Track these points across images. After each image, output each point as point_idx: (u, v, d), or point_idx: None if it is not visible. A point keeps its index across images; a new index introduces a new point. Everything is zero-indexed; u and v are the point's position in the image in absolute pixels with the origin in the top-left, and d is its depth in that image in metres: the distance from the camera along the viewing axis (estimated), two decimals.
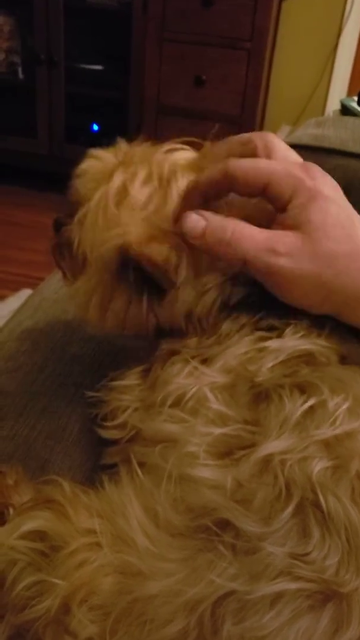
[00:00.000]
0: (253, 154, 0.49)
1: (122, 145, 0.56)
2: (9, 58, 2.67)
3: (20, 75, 2.70)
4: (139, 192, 0.50)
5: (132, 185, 0.50)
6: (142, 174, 0.51)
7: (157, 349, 0.52)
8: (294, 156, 0.50)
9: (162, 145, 0.55)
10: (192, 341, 0.50)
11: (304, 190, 0.45)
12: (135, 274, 0.50)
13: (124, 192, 0.50)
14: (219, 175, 0.47)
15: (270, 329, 0.47)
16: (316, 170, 0.47)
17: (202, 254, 0.49)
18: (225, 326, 0.48)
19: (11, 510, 0.47)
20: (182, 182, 0.51)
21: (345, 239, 0.45)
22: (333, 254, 0.45)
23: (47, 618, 0.37)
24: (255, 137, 0.50)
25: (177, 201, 0.50)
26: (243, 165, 0.47)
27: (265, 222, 0.47)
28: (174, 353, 0.50)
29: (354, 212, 0.47)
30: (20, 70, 2.69)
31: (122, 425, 0.50)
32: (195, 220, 0.47)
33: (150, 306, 0.51)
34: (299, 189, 0.45)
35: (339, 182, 0.48)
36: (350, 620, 0.33)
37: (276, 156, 0.49)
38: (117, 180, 0.51)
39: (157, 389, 0.48)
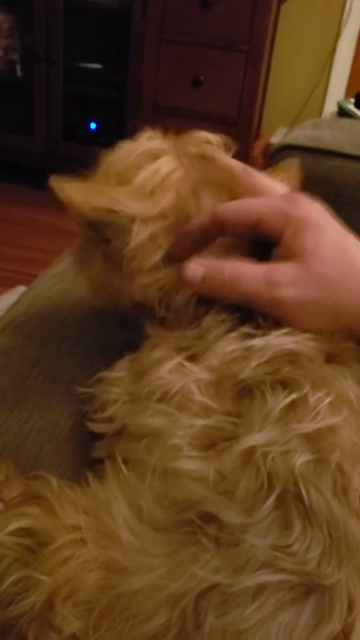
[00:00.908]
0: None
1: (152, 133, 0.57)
2: (7, 56, 2.67)
3: (19, 73, 2.69)
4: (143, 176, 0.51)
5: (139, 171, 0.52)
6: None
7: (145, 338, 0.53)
8: (278, 187, 0.52)
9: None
10: (176, 332, 0.50)
11: (292, 221, 0.47)
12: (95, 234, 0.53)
13: (130, 173, 0.52)
14: (208, 221, 0.49)
15: (254, 326, 0.47)
16: (301, 199, 0.48)
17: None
18: (207, 321, 0.49)
19: (1, 505, 0.47)
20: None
21: (340, 259, 0.46)
22: (331, 277, 0.46)
23: (32, 614, 0.37)
24: (240, 175, 0.52)
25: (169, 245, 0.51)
26: (231, 209, 0.49)
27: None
28: (158, 340, 0.50)
29: (344, 231, 0.48)
30: (18, 68, 2.69)
31: (111, 419, 0.50)
32: (194, 269, 0.48)
33: (108, 267, 0.54)
34: (288, 221, 0.47)
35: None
36: (332, 613, 0.34)
37: (261, 191, 0.51)
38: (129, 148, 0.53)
39: (143, 380, 0.48)
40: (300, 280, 0.46)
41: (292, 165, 0.62)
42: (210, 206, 0.50)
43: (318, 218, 0.47)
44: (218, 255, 0.50)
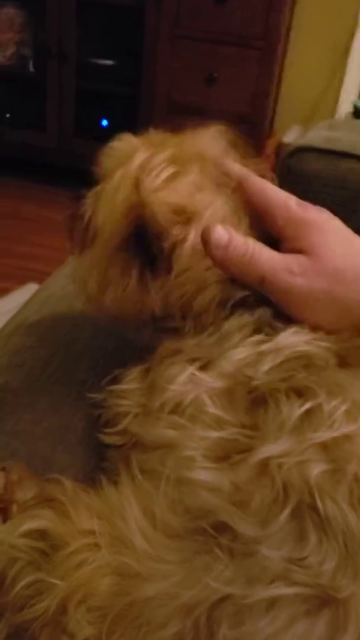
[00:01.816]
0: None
1: (151, 132, 0.57)
2: (20, 51, 2.67)
3: (31, 69, 2.69)
4: (159, 173, 0.51)
5: (152, 166, 0.51)
6: (163, 155, 0.52)
7: (157, 347, 0.52)
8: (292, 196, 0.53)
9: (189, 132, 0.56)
10: (192, 341, 0.50)
11: (294, 221, 0.49)
12: (136, 242, 0.51)
13: (143, 171, 0.51)
14: (238, 178, 0.51)
15: (270, 329, 0.48)
16: (311, 206, 0.50)
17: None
18: (227, 326, 0.49)
19: (15, 507, 0.47)
20: (203, 166, 0.52)
21: (350, 256, 0.47)
22: (341, 269, 0.47)
23: (45, 618, 0.37)
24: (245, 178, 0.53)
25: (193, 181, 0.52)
26: (256, 184, 0.51)
27: None
28: (172, 353, 0.50)
29: (353, 235, 0.49)
30: (31, 63, 2.68)
31: (123, 432, 0.50)
32: (222, 233, 0.48)
33: (143, 281, 0.52)
34: (290, 220, 0.49)
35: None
36: (347, 626, 0.33)
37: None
38: (138, 159, 0.52)
39: (156, 393, 0.48)
40: (314, 272, 0.47)
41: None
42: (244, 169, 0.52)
43: (325, 222, 0.49)
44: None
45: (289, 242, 0.49)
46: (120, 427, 0.50)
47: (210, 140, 0.56)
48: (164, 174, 0.51)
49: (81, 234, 0.57)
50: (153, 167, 0.51)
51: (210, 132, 0.57)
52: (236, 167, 0.53)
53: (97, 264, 0.55)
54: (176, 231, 0.49)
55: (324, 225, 0.48)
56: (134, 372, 0.52)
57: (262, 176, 0.53)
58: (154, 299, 0.52)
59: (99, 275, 0.55)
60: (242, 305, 0.50)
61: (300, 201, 0.50)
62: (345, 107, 2.46)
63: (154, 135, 0.57)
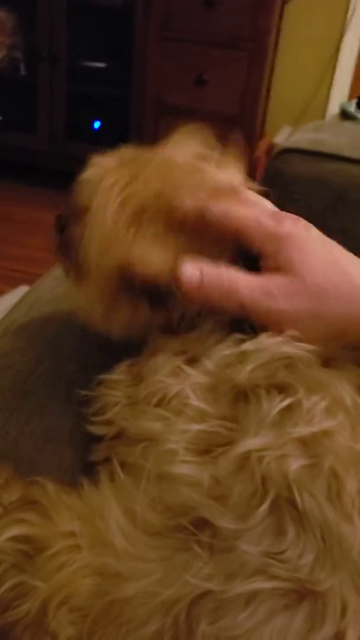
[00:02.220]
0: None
1: (123, 149, 0.55)
2: (11, 54, 2.67)
3: (22, 72, 2.69)
4: (138, 201, 0.49)
5: (131, 194, 0.50)
6: (140, 182, 0.50)
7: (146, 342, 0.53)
8: (267, 204, 0.52)
9: (162, 146, 0.55)
10: (178, 337, 0.50)
11: (272, 237, 0.47)
12: (139, 287, 0.49)
13: (123, 201, 0.50)
14: (195, 214, 0.48)
15: (251, 327, 0.48)
16: (286, 217, 0.48)
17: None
18: (207, 325, 0.49)
19: (0, 509, 0.48)
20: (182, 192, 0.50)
21: (329, 270, 0.46)
22: (322, 286, 0.46)
23: (27, 620, 0.37)
24: (227, 189, 0.51)
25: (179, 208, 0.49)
26: (216, 211, 0.48)
27: None
28: (160, 346, 0.50)
29: (332, 243, 0.48)
30: (22, 66, 2.69)
31: (109, 421, 0.50)
32: (191, 273, 0.47)
33: (153, 312, 0.51)
34: (268, 237, 0.47)
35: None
36: (325, 619, 0.34)
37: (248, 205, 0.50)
38: (117, 188, 0.50)
39: (142, 384, 0.48)
40: (294, 292, 0.46)
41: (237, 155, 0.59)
42: (200, 200, 0.49)
43: (302, 234, 0.48)
44: (209, 261, 0.49)
45: (269, 259, 0.48)
46: (106, 416, 0.50)
47: (183, 151, 0.54)
48: (141, 205, 0.49)
49: (74, 263, 0.56)
50: (119, 204, 0.50)
51: (184, 139, 0.55)
52: (189, 204, 0.49)
53: (98, 297, 0.54)
54: (166, 272, 0.48)
55: (301, 238, 0.47)
56: (124, 364, 0.53)
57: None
58: (159, 318, 0.52)
59: (101, 306, 0.54)
60: None
61: (275, 212, 0.49)
62: (335, 107, 2.47)
63: (125, 153, 0.55)
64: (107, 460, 0.48)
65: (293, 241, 0.47)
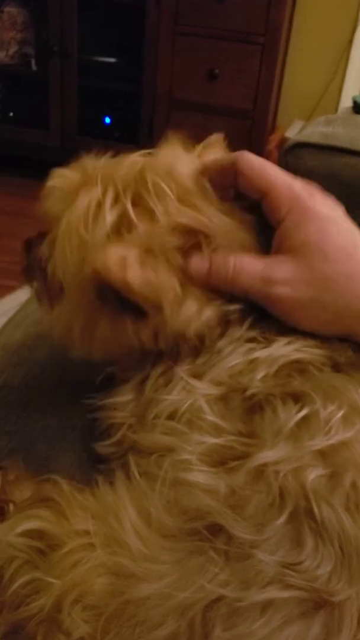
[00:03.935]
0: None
1: (86, 161, 0.53)
2: (22, 50, 2.67)
3: (34, 67, 2.69)
4: (108, 213, 0.48)
5: (99, 206, 0.48)
6: (108, 193, 0.48)
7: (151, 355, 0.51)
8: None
9: (125, 157, 0.52)
10: (186, 362, 0.49)
11: (300, 208, 0.46)
12: (116, 297, 0.46)
13: (91, 213, 0.48)
14: (228, 163, 0.48)
15: (263, 339, 0.47)
16: (317, 191, 0.47)
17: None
18: (221, 343, 0.48)
19: (11, 506, 0.48)
20: (152, 198, 0.48)
21: (345, 259, 0.45)
22: (331, 276, 0.45)
23: (41, 616, 0.37)
24: (239, 159, 0.49)
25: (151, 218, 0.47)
26: (251, 163, 0.47)
27: None
28: (167, 371, 0.49)
29: (355, 230, 0.47)
30: (33, 62, 2.68)
31: (119, 442, 0.50)
32: (199, 264, 0.47)
33: (136, 328, 0.48)
34: (296, 207, 0.46)
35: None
36: (342, 629, 0.34)
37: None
38: (84, 201, 0.49)
39: (151, 405, 0.48)
40: (298, 279, 0.45)
41: (219, 142, 0.57)
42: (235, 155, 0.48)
43: (329, 212, 0.46)
44: (225, 250, 0.48)
45: (286, 234, 0.46)
46: (115, 438, 0.50)
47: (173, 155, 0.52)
48: (111, 217, 0.47)
49: (44, 285, 0.54)
50: (94, 217, 0.48)
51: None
52: (220, 156, 0.50)
53: (75, 316, 0.51)
54: (143, 280, 0.44)
55: (324, 219, 0.46)
56: (128, 386, 0.52)
57: None
58: (144, 337, 0.49)
59: (78, 326, 0.52)
60: (237, 320, 0.48)
61: (306, 185, 0.48)
62: (348, 101, 2.45)
63: (88, 163, 0.53)
64: (122, 462, 0.47)
65: (316, 220, 0.46)
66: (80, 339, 0.52)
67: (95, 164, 0.53)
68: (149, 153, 0.53)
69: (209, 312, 0.48)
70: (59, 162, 0.55)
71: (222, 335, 0.48)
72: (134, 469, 0.43)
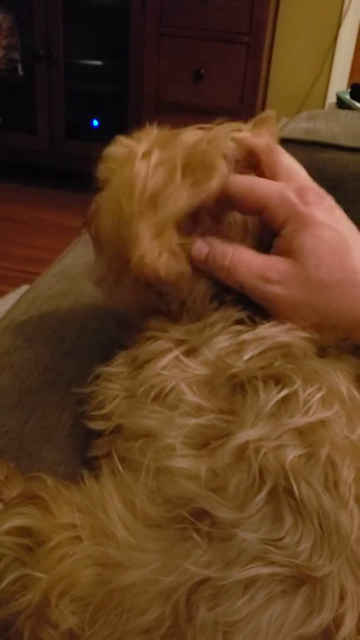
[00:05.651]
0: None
1: (150, 129, 0.55)
2: (8, 55, 2.68)
3: (20, 72, 2.70)
4: (151, 184, 0.49)
5: (146, 177, 0.50)
6: (156, 164, 0.50)
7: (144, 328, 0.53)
8: (301, 173, 0.51)
9: (187, 129, 0.54)
10: (180, 326, 0.51)
11: (296, 216, 0.47)
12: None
13: (137, 183, 0.50)
14: (218, 192, 0.48)
15: (251, 321, 0.48)
16: (312, 194, 0.48)
17: None
18: (213, 317, 0.49)
19: (1, 505, 0.48)
20: (199, 175, 0.49)
21: (337, 266, 0.46)
22: (324, 282, 0.46)
23: (29, 611, 0.37)
24: (261, 151, 0.50)
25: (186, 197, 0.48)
26: (240, 186, 0.48)
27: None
28: (158, 331, 0.51)
29: (351, 233, 0.48)
30: (19, 67, 2.70)
31: (108, 416, 0.51)
32: (199, 247, 0.49)
33: (154, 297, 0.53)
34: (292, 215, 0.47)
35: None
36: (323, 604, 0.34)
37: (280, 173, 0.49)
38: (131, 170, 0.50)
39: (140, 375, 0.49)
40: (292, 280, 0.46)
41: (271, 118, 0.57)
42: (225, 174, 0.48)
43: (324, 217, 0.47)
44: (228, 237, 0.50)
45: (284, 239, 0.47)
46: (105, 410, 0.51)
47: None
48: (154, 188, 0.49)
49: (93, 239, 0.59)
50: (134, 188, 0.49)
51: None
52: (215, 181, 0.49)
53: (108, 269, 0.57)
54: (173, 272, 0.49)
55: (318, 225, 0.46)
56: (122, 355, 0.53)
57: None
58: (161, 303, 0.53)
59: (108, 277, 0.57)
60: (234, 300, 0.50)
61: (301, 187, 0.48)
62: (333, 98, 2.46)
63: (152, 134, 0.54)
64: (107, 454, 0.48)
65: (311, 226, 0.46)
66: (109, 289, 0.59)
67: (155, 134, 0.54)
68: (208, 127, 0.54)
69: (204, 284, 0.51)
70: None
71: (216, 309, 0.50)
72: (117, 458, 0.43)
